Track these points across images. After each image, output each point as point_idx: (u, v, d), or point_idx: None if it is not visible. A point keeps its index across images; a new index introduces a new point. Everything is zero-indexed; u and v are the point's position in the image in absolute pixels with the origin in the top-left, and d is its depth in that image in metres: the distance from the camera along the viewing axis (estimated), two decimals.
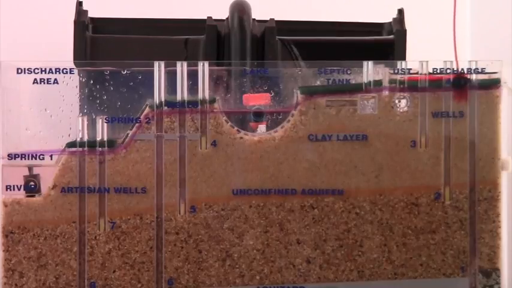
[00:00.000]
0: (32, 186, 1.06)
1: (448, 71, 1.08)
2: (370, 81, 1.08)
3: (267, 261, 1.07)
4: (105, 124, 1.06)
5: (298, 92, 1.08)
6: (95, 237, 1.06)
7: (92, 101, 1.08)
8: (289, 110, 1.08)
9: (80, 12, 1.23)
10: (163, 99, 1.07)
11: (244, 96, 1.09)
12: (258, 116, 1.09)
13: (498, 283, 1.07)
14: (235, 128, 1.07)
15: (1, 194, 1.06)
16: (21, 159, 1.06)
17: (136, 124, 1.06)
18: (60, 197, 1.06)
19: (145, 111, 1.06)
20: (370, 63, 1.08)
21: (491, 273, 1.08)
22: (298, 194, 1.08)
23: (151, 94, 1.07)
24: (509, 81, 1.08)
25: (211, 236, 1.07)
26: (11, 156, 1.06)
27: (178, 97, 1.07)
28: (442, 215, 1.08)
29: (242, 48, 1.20)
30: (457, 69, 1.08)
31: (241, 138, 1.07)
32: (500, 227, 1.08)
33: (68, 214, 1.06)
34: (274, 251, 1.07)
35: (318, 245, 1.07)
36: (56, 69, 1.06)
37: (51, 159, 1.06)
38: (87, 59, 1.20)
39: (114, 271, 1.06)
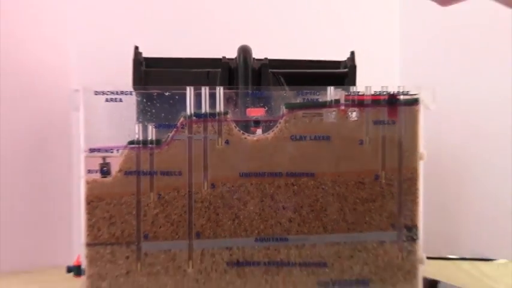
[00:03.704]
0: (105, 170, 1.11)
1: (384, 93, 1.13)
2: (332, 100, 1.13)
3: (262, 220, 1.12)
4: (154, 129, 1.11)
5: (284, 107, 1.13)
6: (147, 204, 1.11)
7: (144, 113, 1.12)
8: (278, 119, 1.13)
9: (137, 53, 1.27)
10: (192, 112, 1.11)
11: (247, 110, 1.13)
12: (257, 123, 1.14)
13: (416, 234, 1.12)
14: (241, 132, 1.12)
15: (84, 175, 1.11)
16: (97, 152, 1.11)
17: (175, 129, 1.11)
18: (124, 178, 1.11)
19: (181, 120, 1.11)
20: (332, 88, 1.13)
21: (412, 228, 1.12)
22: (283, 176, 1.12)
23: (184, 108, 1.11)
24: (425, 100, 1.12)
25: (225, 204, 1.12)
26: (91, 150, 1.11)
27: (203, 110, 1.11)
28: (379, 190, 1.12)
29: (246, 77, 1.24)
30: (391, 92, 1.13)
31: (245, 138, 1.12)
32: (418, 197, 1.12)
33: (129, 189, 1.11)
34: (267, 214, 1.12)
35: (297, 210, 1.12)
36: (121, 91, 1.11)
37: (118, 152, 1.11)
38: (141, 85, 1.23)
39: (160, 227, 1.11)
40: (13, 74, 1.41)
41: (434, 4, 1.13)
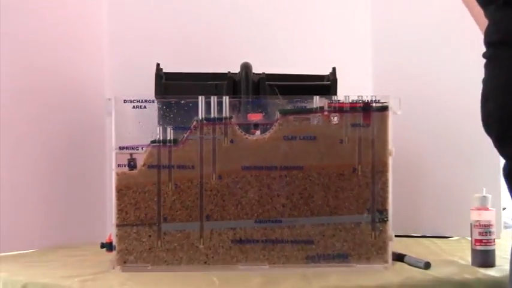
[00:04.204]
0: (132, 164, 1.11)
1: (360, 101, 1.13)
2: (317, 107, 1.13)
3: (260, 206, 1.12)
4: (172, 130, 1.12)
5: (278, 112, 1.13)
6: (166, 192, 1.11)
7: (164, 117, 1.12)
8: (273, 122, 1.13)
9: (158, 69, 1.27)
10: (203, 117, 1.12)
11: (248, 115, 1.14)
12: (256, 126, 1.14)
13: (387, 217, 1.12)
14: (243, 132, 1.13)
15: (115, 168, 1.11)
16: (126, 149, 1.11)
17: (189, 130, 1.11)
18: (147, 170, 1.11)
19: (194, 123, 1.12)
20: (317, 96, 1.13)
21: (383, 212, 1.12)
22: (278, 169, 1.12)
23: (197, 114, 1.11)
24: (393, 107, 1.12)
25: (230, 192, 1.12)
26: (120, 148, 1.11)
27: (212, 115, 1.12)
28: (356, 180, 1.12)
29: (247, 89, 1.23)
30: (365, 100, 1.13)
31: (246, 138, 1.13)
32: (388, 186, 1.13)
33: (151, 180, 1.11)
34: (264, 200, 1.12)
35: (289, 197, 1.12)
36: (145, 100, 1.12)
37: (142, 149, 1.11)
38: (162, 95, 1.23)
39: (176, 211, 1.11)
40: (60, 87, 1.42)
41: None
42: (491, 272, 1.09)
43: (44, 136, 1.39)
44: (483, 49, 0.87)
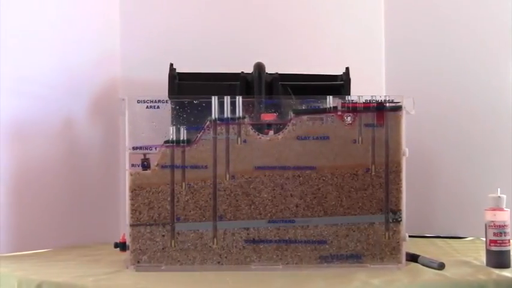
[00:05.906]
0: (145, 164, 1.12)
1: (373, 101, 1.12)
2: (331, 107, 1.12)
3: (274, 206, 1.12)
4: (185, 130, 1.12)
5: (291, 112, 1.13)
6: (180, 192, 1.11)
7: (178, 117, 1.12)
8: (286, 122, 1.13)
9: (172, 69, 1.27)
10: (217, 117, 1.12)
11: (262, 115, 1.13)
12: (269, 126, 1.14)
13: (400, 217, 1.12)
14: (257, 133, 1.12)
15: (129, 168, 1.11)
16: (139, 149, 1.12)
17: (202, 130, 1.12)
18: (161, 171, 1.11)
19: (207, 123, 1.12)
20: (331, 96, 1.13)
21: (397, 212, 1.12)
22: (291, 169, 1.12)
23: (210, 114, 1.11)
24: (407, 107, 1.12)
25: (243, 192, 1.12)
26: (134, 148, 1.12)
27: (225, 115, 1.12)
28: (370, 180, 1.12)
29: (260, 89, 1.24)
30: (379, 100, 1.12)
31: (260, 138, 1.12)
32: (401, 186, 1.12)
33: (165, 180, 1.11)
34: (277, 200, 1.12)
35: (302, 197, 1.12)
36: (159, 100, 1.12)
37: (156, 149, 1.12)
38: (175, 95, 1.23)
39: (190, 211, 1.11)
40: (73, 87, 1.43)
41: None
42: (506, 273, 1.07)
43: (58, 136, 1.40)
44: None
